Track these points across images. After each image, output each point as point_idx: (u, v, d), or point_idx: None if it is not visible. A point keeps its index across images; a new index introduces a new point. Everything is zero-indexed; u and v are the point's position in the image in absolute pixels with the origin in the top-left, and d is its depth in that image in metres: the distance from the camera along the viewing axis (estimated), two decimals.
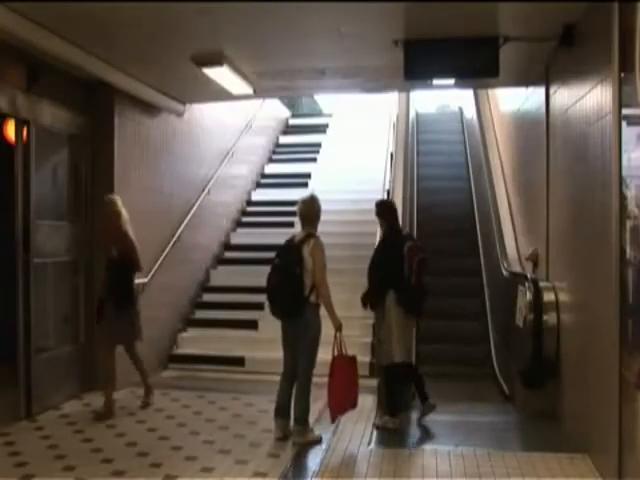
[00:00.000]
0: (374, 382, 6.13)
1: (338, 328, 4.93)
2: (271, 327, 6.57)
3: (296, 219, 5.52)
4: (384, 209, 5.57)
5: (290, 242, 5.02)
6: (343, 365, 4.96)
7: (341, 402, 5.00)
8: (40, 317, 5.65)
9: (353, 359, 5.06)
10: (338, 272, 7.25)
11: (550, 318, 5.33)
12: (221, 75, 6.15)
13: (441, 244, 9.06)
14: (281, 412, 4.99)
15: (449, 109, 15.03)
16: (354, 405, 5.15)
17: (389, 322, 5.23)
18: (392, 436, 5.15)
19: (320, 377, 5.10)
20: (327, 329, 5.01)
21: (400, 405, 5.41)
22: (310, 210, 5.10)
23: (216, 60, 5.77)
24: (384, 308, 5.26)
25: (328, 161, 12.05)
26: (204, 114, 8.83)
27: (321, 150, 12.76)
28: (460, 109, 13.90)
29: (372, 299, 5.40)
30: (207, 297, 8.81)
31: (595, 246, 4.30)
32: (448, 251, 9.09)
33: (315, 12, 4.78)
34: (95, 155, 6.44)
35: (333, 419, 5.00)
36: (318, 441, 4.89)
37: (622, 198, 3.76)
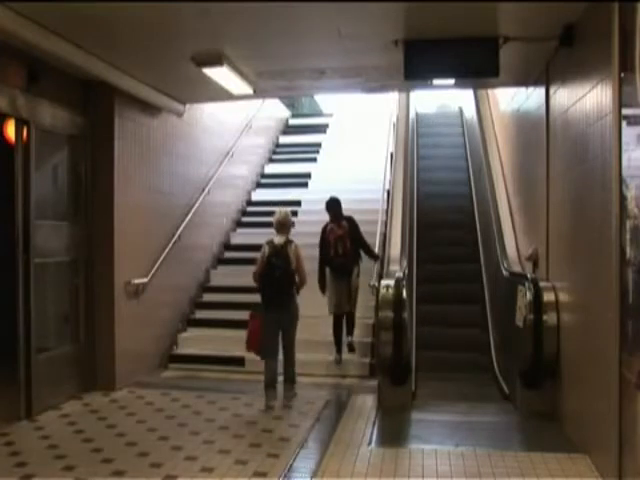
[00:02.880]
0: (374, 382, 6.14)
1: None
2: None
3: (296, 219, 6.94)
4: (328, 204, 7.43)
5: (275, 245, 6.10)
6: (256, 317, 6.19)
7: (258, 342, 6.13)
8: (40, 317, 5.65)
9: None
10: None
11: (550, 318, 5.32)
12: (221, 75, 6.15)
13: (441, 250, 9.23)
14: (272, 385, 5.96)
15: (449, 109, 15.00)
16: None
17: (328, 286, 7.20)
18: (392, 436, 5.16)
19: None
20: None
21: (339, 346, 7.30)
22: (288, 219, 6.31)
23: (216, 60, 5.77)
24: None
25: (328, 161, 12.04)
26: (204, 114, 8.83)
27: (321, 150, 12.76)
28: (460, 109, 13.89)
29: (320, 278, 7.25)
30: (207, 297, 8.81)
31: (595, 246, 4.30)
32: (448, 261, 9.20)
33: (315, 12, 4.78)
34: (95, 155, 6.44)
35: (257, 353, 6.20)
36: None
37: (622, 198, 3.76)
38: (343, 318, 7.31)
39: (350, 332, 7.33)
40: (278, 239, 6.13)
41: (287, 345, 6.15)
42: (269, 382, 5.95)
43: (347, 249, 7.13)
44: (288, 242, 6.12)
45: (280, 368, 6.14)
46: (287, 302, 6.05)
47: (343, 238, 7.13)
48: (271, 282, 6.00)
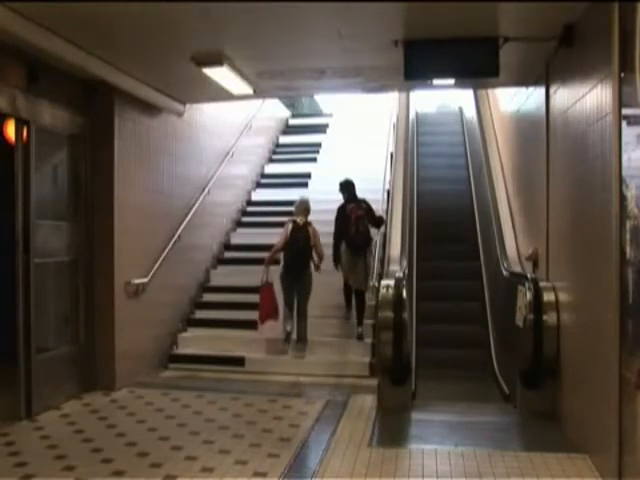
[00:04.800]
0: (374, 382, 6.13)
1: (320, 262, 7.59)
2: None
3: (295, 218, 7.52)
4: (342, 186, 7.99)
5: (298, 223, 7.52)
6: (269, 289, 7.44)
7: (270, 314, 7.42)
8: (40, 317, 5.65)
9: (271, 284, 7.49)
10: None
11: (550, 318, 5.32)
12: (221, 75, 6.15)
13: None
14: (290, 315, 7.43)
15: (449, 109, 15.00)
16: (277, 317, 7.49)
17: (344, 262, 7.61)
18: (392, 436, 5.16)
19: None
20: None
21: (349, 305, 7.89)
22: (308, 204, 7.73)
23: (216, 60, 5.77)
24: (341, 253, 7.64)
25: (328, 161, 12.04)
26: (204, 114, 8.83)
27: (321, 150, 12.76)
28: (460, 109, 13.89)
29: (334, 253, 7.68)
30: (207, 297, 8.81)
31: (595, 246, 4.30)
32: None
33: (315, 12, 4.78)
34: (95, 155, 6.43)
35: (262, 321, 7.49)
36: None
37: (622, 198, 3.76)
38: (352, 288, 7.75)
39: (360, 320, 7.59)
40: (300, 219, 7.51)
41: (301, 307, 7.38)
42: (287, 316, 7.39)
43: (366, 228, 7.66)
44: (307, 224, 7.48)
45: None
46: (304, 270, 7.42)
47: (363, 218, 7.63)
48: (294, 253, 7.37)
